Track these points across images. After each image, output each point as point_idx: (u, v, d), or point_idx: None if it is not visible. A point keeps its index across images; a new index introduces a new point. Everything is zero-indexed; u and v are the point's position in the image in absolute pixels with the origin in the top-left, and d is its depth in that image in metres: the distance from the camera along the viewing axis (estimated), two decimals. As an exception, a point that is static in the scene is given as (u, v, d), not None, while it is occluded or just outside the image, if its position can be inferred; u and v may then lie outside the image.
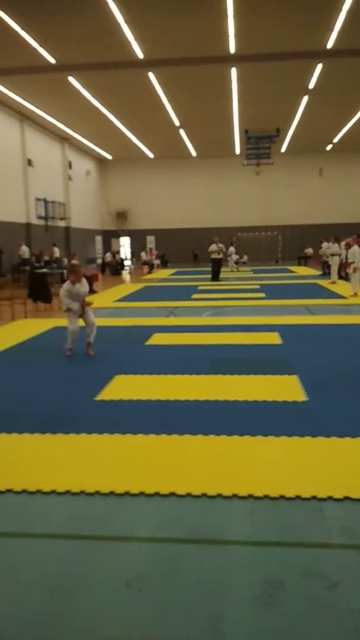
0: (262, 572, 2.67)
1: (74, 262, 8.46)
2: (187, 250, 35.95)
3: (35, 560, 2.83)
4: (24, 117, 24.73)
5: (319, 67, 18.83)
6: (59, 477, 3.72)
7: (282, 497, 3.39)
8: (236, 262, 28.85)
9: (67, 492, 3.52)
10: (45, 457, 4.11)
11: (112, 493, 3.49)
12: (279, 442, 4.30)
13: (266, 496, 3.40)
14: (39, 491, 3.54)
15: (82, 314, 7.65)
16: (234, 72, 19.25)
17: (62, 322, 10.92)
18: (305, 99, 22.86)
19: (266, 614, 2.38)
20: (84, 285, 7.66)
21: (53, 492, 3.53)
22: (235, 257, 28.74)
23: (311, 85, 20.94)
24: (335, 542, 2.92)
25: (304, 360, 7.08)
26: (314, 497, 3.37)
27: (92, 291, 17.48)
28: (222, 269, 21.52)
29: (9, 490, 3.56)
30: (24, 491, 3.54)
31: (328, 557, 2.80)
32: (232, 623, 2.33)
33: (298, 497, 3.38)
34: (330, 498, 3.36)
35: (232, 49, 16.97)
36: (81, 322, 7.71)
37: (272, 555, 2.84)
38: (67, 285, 7.63)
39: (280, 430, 4.51)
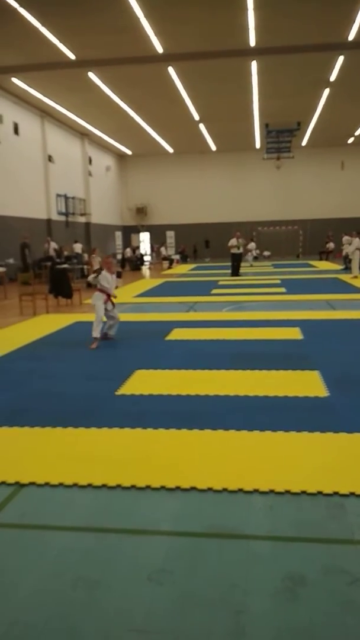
0: (283, 567, 2.67)
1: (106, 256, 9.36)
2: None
3: (58, 552, 2.86)
4: (45, 113, 24.89)
5: (340, 59, 18.60)
6: (81, 471, 3.76)
7: (303, 492, 3.37)
8: (256, 257, 28.68)
9: (89, 485, 3.55)
10: (67, 451, 4.15)
11: (133, 487, 3.51)
12: (300, 437, 4.28)
13: (287, 491, 3.39)
14: (61, 484, 3.58)
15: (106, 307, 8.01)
16: (254, 65, 19.11)
17: (83, 317, 11.01)
18: (327, 91, 22.62)
19: (287, 609, 2.38)
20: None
21: (75, 485, 3.56)
22: (254, 252, 28.55)
23: (332, 78, 20.71)
24: (358, 538, 2.90)
25: (325, 355, 7.03)
26: (335, 493, 3.35)
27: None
28: (241, 264, 21.41)
29: (32, 484, 3.60)
30: (47, 484, 3.59)
31: (350, 553, 2.79)
32: (253, 617, 2.34)
33: (320, 493, 3.36)
34: (352, 494, 3.34)
35: (252, 41, 16.84)
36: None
37: (294, 550, 2.83)
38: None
39: (301, 425, 4.49)
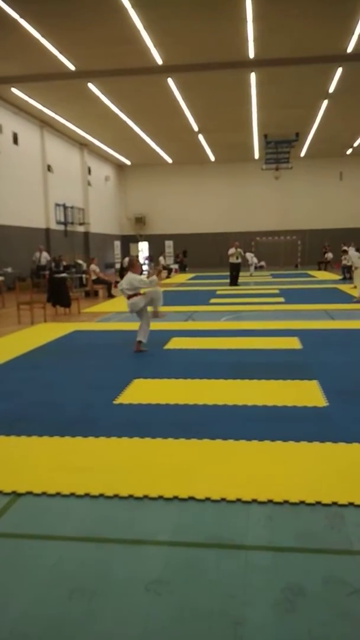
0: (282, 578, 2.64)
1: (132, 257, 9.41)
2: (205, 254, 35.92)
3: (55, 562, 2.83)
4: (44, 123, 25.00)
5: (339, 71, 18.74)
6: (78, 481, 3.73)
7: (302, 502, 3.35)
8: (256, 267, 28.67)
9: (87, 495, 3.53)
10: (65, 460, 4.13)
11: (131, 497, 3.49)
12: (299, 447, 4.26)
13: (286, 501, 3.37)
14: (58, 494, 3.55)
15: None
16: (253, 77, 19.25)
17: (81, 326, 11.00)
18: (325, 103, 22.75)
19: (286, 620, 2.35)
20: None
21: (72, 494, 3.54)
22: (254, 261, 28.56)
23: (331, 90, 20.85)
24: (357, 549, 2.88)
25: (324, 365, 7.02)
26: (334, 503, 3.33)
27: (110, 296, 17.60)
28: (241, 274, 21.45)
29: (29, 493, 3.58)
30: (44, 493, 3.56)
31: (349, 564, 2.77)
32: (252, 628, 2.31)
33: (318, 503, 3.34)
34: (351, 504, 3.32)
35: (251, 53, 16.97)
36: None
37: (292, 561, 2.81)
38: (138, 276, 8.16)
39: (300, 435, 4.47)
